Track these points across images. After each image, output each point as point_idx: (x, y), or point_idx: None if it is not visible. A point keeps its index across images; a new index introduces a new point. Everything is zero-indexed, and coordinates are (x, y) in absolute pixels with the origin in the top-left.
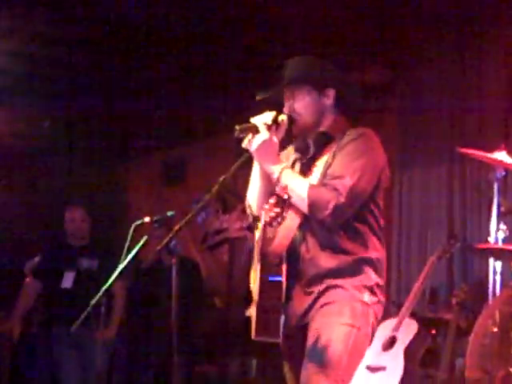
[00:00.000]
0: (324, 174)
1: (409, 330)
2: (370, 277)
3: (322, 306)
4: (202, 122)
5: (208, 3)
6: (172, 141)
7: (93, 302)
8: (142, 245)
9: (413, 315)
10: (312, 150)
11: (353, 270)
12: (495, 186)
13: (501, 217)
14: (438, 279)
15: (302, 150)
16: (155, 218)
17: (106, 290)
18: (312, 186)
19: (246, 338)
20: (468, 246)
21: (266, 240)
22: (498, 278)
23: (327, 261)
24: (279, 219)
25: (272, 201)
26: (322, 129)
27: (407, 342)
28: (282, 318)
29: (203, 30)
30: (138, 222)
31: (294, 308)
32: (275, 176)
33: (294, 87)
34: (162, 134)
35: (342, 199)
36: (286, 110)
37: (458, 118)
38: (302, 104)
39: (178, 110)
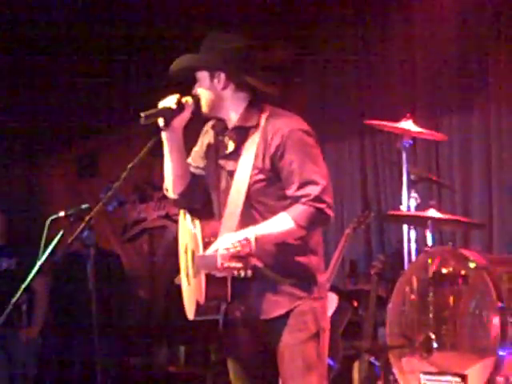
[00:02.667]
0: (257, 168)
1: (329, 303)
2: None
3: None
4: (112, 113)
5: None
6: (84, 133)
7: (13, 300)
8: (59, 240)
9: (333, 288)
10: (231, 146)
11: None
12: (404, 155)
13: (412, 185)
14: (356, 251)
15: (219, 142)
16: (69, 212)
17: (26, 288)
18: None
19: (172, 326)
20: (381, 215)
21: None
22: (414, 245)
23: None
24: None
25: None
26: (233, 119)
27: (328, 315)
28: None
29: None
30: (53, 217)
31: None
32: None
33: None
34: (74, 128)
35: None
36: (193, 92)
37: (364, 90)
38: (199, 87)
39: (88, 103)
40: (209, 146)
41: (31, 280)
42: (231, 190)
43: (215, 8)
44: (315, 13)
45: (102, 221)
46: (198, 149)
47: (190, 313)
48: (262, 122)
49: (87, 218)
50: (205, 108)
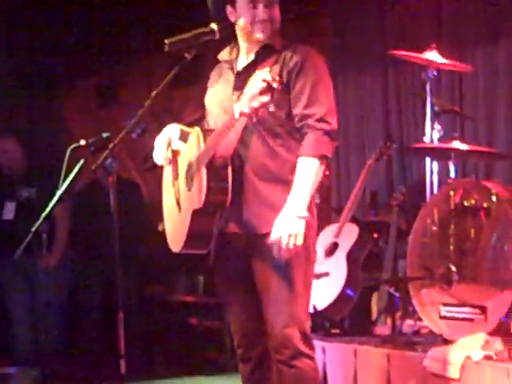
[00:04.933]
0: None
1: (350, 234)
2: None
3: None
4: (133, 42)
5: None
6: (106, 62)
7: (33, 228)
8: (80, 168)
9: (353, 220)
10: (249, 59)
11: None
12: (428, 87)
13: (435, 117)
14: (377, 183)
15: (231, 60)
16: (91, 141)
17: (47, 216)
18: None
19: (191, 256)
20: (404, 148)
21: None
22: (436, 177)
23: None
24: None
25: None
26: (263, 38)
27: (349, 246)
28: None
29: None
30: (74, 146)
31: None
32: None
33: None
34: (94, 57)
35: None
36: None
37: (389, 19)
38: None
39: (110, 31)
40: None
41: (52, 208)
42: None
43: None
44: None
45: (122, 150)
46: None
47: (179, 242)
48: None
49: (111, 145)
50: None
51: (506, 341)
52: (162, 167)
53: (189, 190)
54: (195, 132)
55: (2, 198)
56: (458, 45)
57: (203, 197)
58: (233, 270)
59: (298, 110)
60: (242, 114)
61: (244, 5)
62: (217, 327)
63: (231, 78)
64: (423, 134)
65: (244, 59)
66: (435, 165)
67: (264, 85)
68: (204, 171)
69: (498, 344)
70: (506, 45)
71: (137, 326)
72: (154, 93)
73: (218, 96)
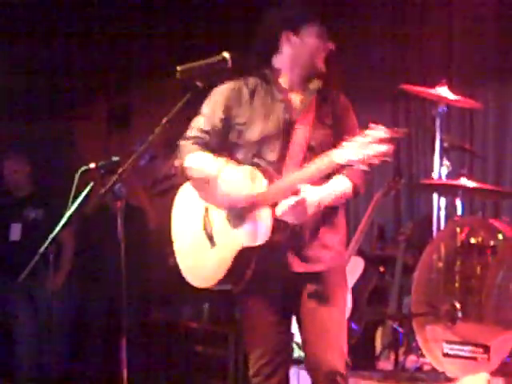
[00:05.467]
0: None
1: (356, 268)
2: None
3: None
4: (148, 65)
5: None
6: (117, 86)
7: (41, 250)
8: (89, 191)
9: (360, 253)
10: (306, 92)
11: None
12: (437, 122)
13: (444, 153)
14: (385, 217)
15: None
16: (100, 164)
17: (54, 238)
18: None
19: None
20: (412, 183)
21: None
22: (443, 213)
23: None
24: None
25: None
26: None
27: (354, 280)
28: None
29: None
30: (84, 169)
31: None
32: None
33: None
34: (107, 80)
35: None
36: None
37: (400, 55)
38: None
39: (122, 54)
40: (260, 101)
41: (60, 231)
42: (294, 141)
43: None
44: None
45: (132, 175)
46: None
47: (211, 278)
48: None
49: (120, 170)
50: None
51: (509, 381)
52: (171, 192)
53: (235, 227)
54: (248, 169)
55: (9, 219)
56: (469, 81)
57: (267, 235)
58: (271, 298)
59: None
60: (349, 162)
61: (313, 34)
62: (221, 355)
63: (278, 107)
64: (432, 170)
65: (289, 88)
66: (442, 200)
67: (385, 135)
68: (269, 211)
69: None
70: None
71: (140, 352)
72: (164, 120)
73: (260, 124)
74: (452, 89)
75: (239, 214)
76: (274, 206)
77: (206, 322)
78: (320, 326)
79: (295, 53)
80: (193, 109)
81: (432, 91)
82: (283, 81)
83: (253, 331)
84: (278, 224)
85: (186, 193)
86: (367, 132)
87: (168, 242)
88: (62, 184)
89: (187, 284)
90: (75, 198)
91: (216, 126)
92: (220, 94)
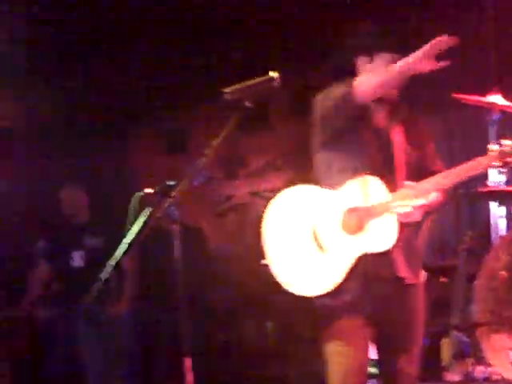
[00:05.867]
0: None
1: None
2: None
3: None
4: (205, 88)
5: None
6: (175, 108)
7: (102, 276)
8: (147, 217)
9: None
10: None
11: None
12: (491, 130)
13: None
14: (445, 227)
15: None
16: (156, 189)
17: (116, 265)
18: None
19: (260, 301)
20: (469, 192)
21: None
22: (503, 221)
23: None
24: None
25: None
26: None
27: None
28: None
29: None
30: (140, 194)
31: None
32: None
33: None
34: (162, 103)
35: None
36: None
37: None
38: None
39: (178, 77)
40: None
41: (120, 257)
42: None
43: None
44: None
45: (189, 197)
46: None
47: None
48: None
49: (173, 193)
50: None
51: None
52: (231, 213)
53: (355, 232)
54: (361, 180)
55: (69, 248)
56: None
57: (394, 239)
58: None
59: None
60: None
61: (385, 62)
62: (283, 375)
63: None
64: (487, 179)
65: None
66: (502, 208)
67: None
68: (394, 218)
69: None
70: None
71: (205, 373)
72: (214, 142)
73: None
74: (506, 95)
75: (358, 221)
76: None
77: (269, 342)
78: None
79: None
80: (247, 127)
81: (485, 99)
82: None
83: (340, 356)
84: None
85: (289, 201)
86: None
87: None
88: (121, 209)
89: (250, 303)
90: (133, 223)
91: None
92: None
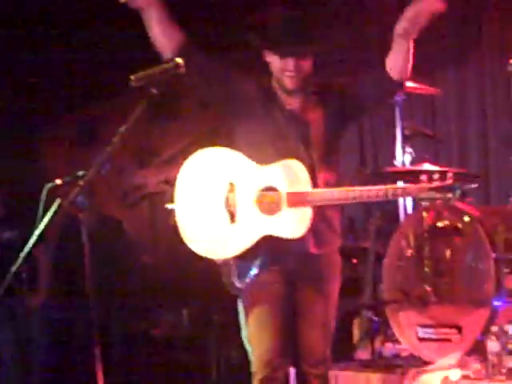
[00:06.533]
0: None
1: None
2: None
3: None
4: (115, 79)
5: None
6: (84, 100)
7: (13, 268)
8: (56, 207)
9: None
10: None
11: None
12: (397, 110)
13: (406, 140)
14: (354, 208)
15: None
16: (66, 179)
17: (25, 256)
18: None
19: (176, 289)
20: (375, 172)
21: None
22: (410, 200)
23: None
24: None
25: None
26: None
27: None
28: None
29: None
30: (50, 185)
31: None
32: None
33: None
34: (74, 94)
35: None
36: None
37: (357, 44)
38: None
39: (89, 68)
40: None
41: (30, 249)
42: (311, 139)
43: None
44: None
45: (102, 187)
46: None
47: (229, 251)
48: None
49: (81, 182)
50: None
51: (483, 359)
52: (143, 203)
53: (266, 213)
54: (293, 163)
55: None
56: (427, 68)
57: (303, 232)
58: (278, 288)
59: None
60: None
61: (274, 56)
62: (202, 361)
63: (278, 115)
64: (395, 158)
65: (285, 96)
66: None
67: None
68: (309, 210)
69: (474, 363)
70: (474, 66)
71: (120, 363)
72: (121, 129)
73: (268, 131)
74: (410, 76)
75: (275, 202)
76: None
77: (185, 328)
78: (316, 316)
79: (271, 67)
80: (159, 117)
81: None
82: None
83: (260, 324)
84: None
85: (206, 161)
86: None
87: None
88: (35, 202)
89: (166, 291)
90: (43, 214)
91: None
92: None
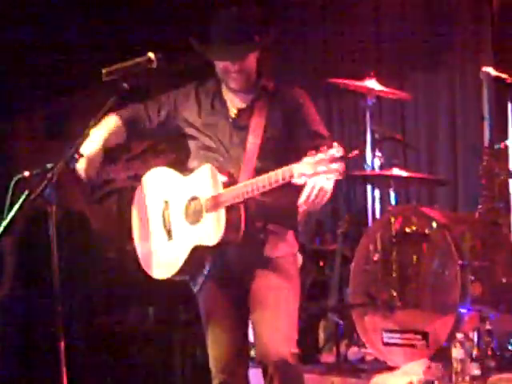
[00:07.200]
0: (273, 131)
1: None
2: None
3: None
4: (84, 72)
5: None
6: (53, 92)
7: None
8: (24, 200)
9: (299, 248)
10: (244, 102)
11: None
12: (367, 114)
13: (376, 144)
14: (322, 211)
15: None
16: (34, 172)
17: None
18: None
19: (142, 286)
20: (346, 175)
21: None
22: (378, 205)
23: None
24: None
25: None
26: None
27: None
28: None
29: None
30: (18, 177)
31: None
32: None
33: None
34: (43, 86)
35: None
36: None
37: (330, 48)
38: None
39: (58, 60)
40: (208, 104)
41: None
42: (248, 146)
43: None
44: None
45: (69, 182)
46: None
47: (170, 268)
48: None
49: (49, 175)
50: (247, 81)
51: (447, 366)
52: (111, 198)
53: (192, 223)
54: (207, 168)
55: None
56: (398, 73)
57: (219, 236)
58: (227, 295)
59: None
60: (301, 175)
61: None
62: (167, 359)
63: (225, 112)
64: (365, 162)
65: (233, 97)
66: (377, 192)
67: (337, 154)
68: (223, 212)
69: (439, 369)
70: (445, 73)
71: (85, 358)
72: (91, 122)
73: (212, 126)
74: (381, 81)
75: (195, 211)
76: (228, 208)
77: (151, 325)
78: (272, 314)
79: (216, 69)
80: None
81: (360, 83)
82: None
83: (212, 330)
84: (232, 224)
85: (148, 183)
86: (325, 150)
87: (111, 244)
88: (1, 193)
89: (131, 288)
90: (11, 207)
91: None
92: (174, 92)
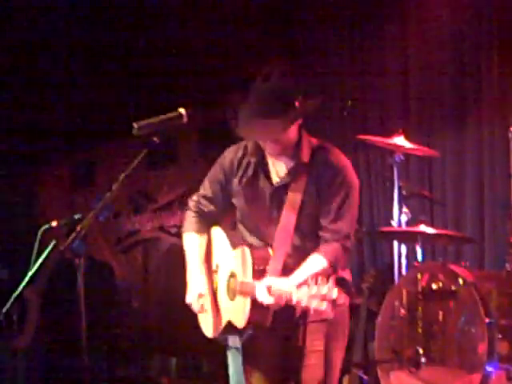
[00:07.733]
0: (309, 207)
1: None
2: None
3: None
4: (111, 122)
5: None
6: (81, 142)
7: (3, 309)
8: (51, 250)
9: None
10: (286, 179)
11: None
12: (395, 171)
13: (403, 200)
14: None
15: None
16: (62, 222)
17: (17, 297)
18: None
19: (165, 337)
20: (372, 231)
21: None
22: (404, 260)
23: None
24: None
25: None
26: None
27: None
28: None
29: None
30: (46, 227)
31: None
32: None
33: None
34: (71, 136)
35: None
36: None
37: (358, 105)
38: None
39: (86, 111)
40: (252, 174)
41: (22, 290)
42: (282, 221)
43: None
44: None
45: (95, 232)
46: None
47: (213, 330)
48: (309, 154)
49: (78, 227)
50: (284, 149)
51: None
52: (135, 249)
53: (231, 299)
54: (243, 251)
55: None
56: (426, 130)
57: (244, 322)
58: (269, 351)
59: (325, 222)
60: (298, 303)
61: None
62: None
63: (266, 185)
64: (392, 217)
65: (272, 167)
66: (403, 247)
67: (333, 297)
68: (248, 302)
69: None
70: (472, 131)
71: None
72: (122, 176)
73: (254, 201)
74: (409, 138)
75: (233, 290)
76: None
77: (174, 377)
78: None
79: None
80: (155, 163)
81: (389, 141)
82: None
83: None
84: (257, 314)
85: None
86: (323, 282)
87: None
88: (28, 243)
89: (155, 339)
90: (38, 256)
91: (216, 191)
92: (223, 157)
